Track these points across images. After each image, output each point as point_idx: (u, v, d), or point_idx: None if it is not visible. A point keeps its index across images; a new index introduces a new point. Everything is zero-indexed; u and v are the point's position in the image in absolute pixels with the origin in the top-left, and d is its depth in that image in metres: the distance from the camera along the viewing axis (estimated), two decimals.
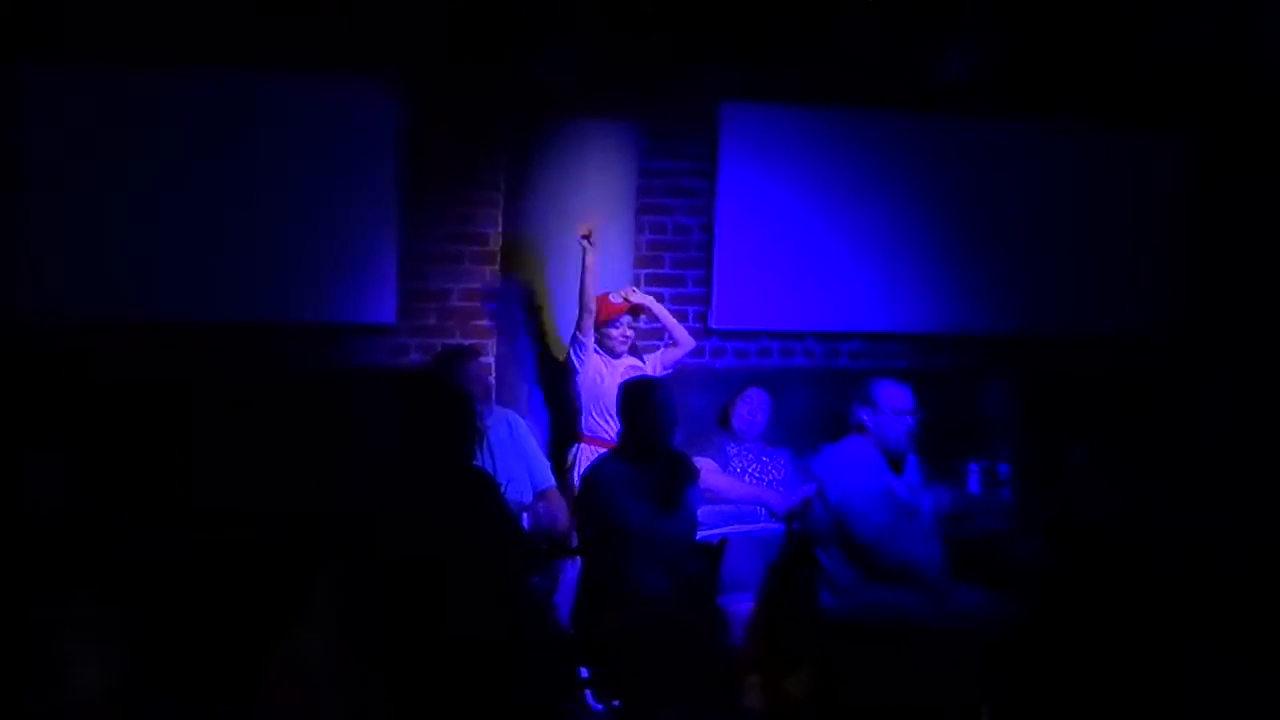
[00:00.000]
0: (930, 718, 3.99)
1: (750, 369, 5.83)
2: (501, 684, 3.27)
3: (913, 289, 6.02)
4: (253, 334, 5.13)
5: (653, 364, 5.22)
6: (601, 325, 5.09)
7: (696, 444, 5.16)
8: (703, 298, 5.79)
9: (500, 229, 5.42)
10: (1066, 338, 6.12)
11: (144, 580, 3.39)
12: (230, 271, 5.03)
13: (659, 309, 5.30)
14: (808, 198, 5.86)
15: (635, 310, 5.19)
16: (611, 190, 5.37)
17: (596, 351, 5.08)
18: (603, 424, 5.03)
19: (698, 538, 4.37)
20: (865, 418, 4.29)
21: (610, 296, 5.15)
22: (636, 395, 4.30)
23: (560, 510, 4.69)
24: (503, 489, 3.82)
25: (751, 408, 5.37)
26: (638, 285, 5.51)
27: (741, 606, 4.51)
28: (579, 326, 5.05)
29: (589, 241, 5.05)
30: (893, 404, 4.28)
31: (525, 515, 4.60)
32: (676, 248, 5.72)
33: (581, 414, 5.09)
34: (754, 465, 5.26)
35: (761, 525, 4.89)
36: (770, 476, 5.25)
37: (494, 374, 5.34)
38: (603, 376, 5.05)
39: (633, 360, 5.17)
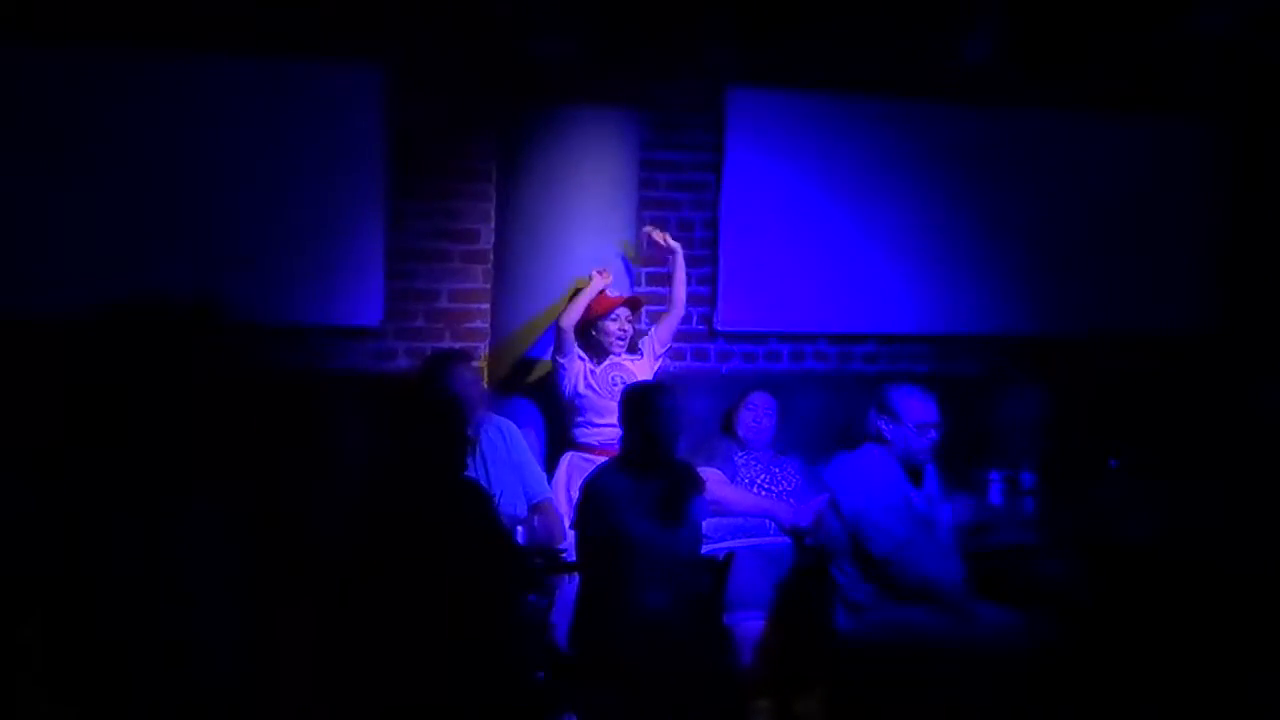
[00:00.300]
0: None
1: (758, 373, 5.83)
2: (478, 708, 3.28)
3: (932, 287, 6.04)
4: (227, 336, 5.10)
5: (649, 350, 5.19)
6: (597, 319, 5.06)
7: (701, 452, 5.15)
8: (707, 298, 5.79)
9: (492, 225, 5.42)
10: (1097, 337, 6.14)
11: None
12: (203, 269, 5.00)
13: (680, 263, 5.26)
14: (820, 190, 5.87)
15: (633, 303, 5.17)
16: (611, 182, 5.34)
17: (581, 357, 5.05)
18: (590, 428, 5.02)
19: (703, 552, 4.35)
20: (885, 429, 4.30)
21: (608, 289, 5.13)
22: (638, 402, 4.28)
23: (556, 524, 4.67)
24: (495, 501, 3.80)
25: (757, 414, 5.36)
26: (639, 283, 5.50)
27: (749, 626, 4.52)
28: (559, 348, 5.02)
29: (603, 274, 5.06)
30: (915, 417, 4.29)
31: (520, 529, 4.58)
32: (680, 244, 5.66)
33: (568, 420, 5.07)
34: (763, 475, 5.24)
35: (770, 539, 4.88)
36: (780, 487, 5.23)
37: (486, 379, 5.32)
38: (586, 380, 5.03)
39: (622, 362, 5.13)
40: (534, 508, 4.76)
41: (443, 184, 5.38)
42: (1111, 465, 5.19)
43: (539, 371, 5.28)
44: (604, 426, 4.97)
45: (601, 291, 5.09)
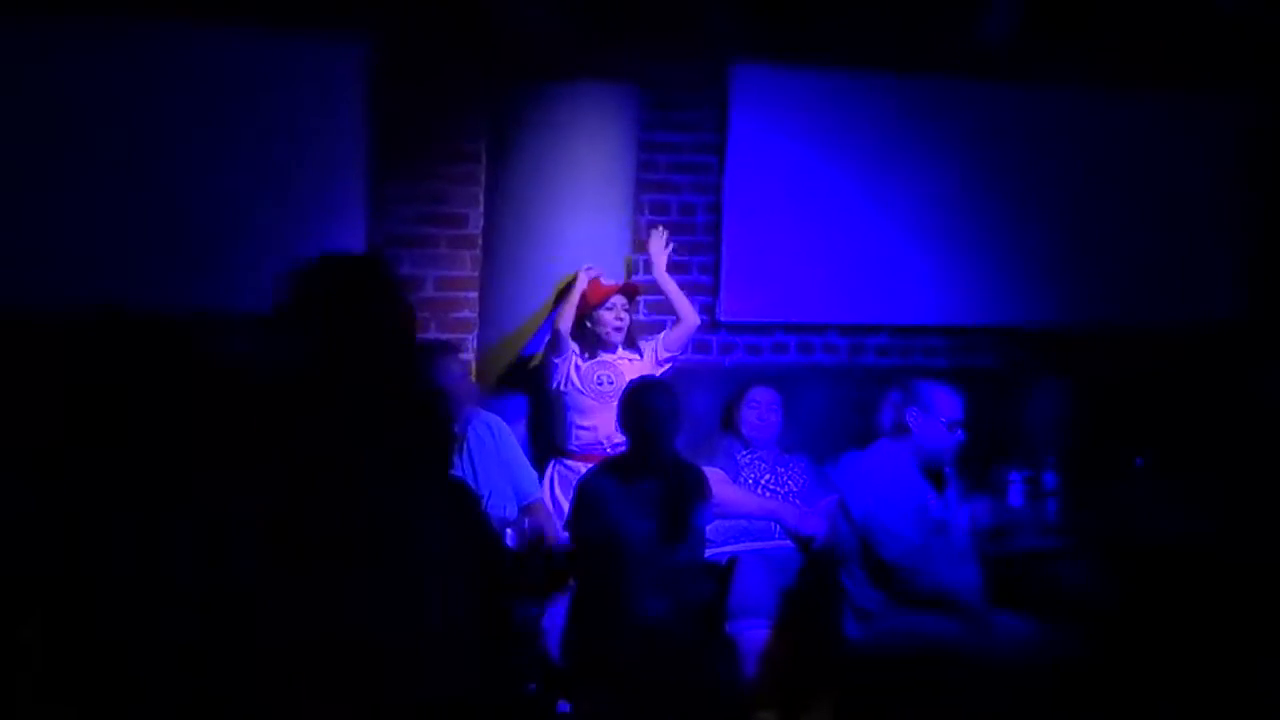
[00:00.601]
0: None
1: (764, 366, 5.81)
2: None
3: (949, 275, 6.01)
4: (195, 325, 5.08)
5: (651, 353, 5.18)
6: (592, 309, 5.05)
7: (702, 451, 5.15)
8: (710, 287, 5.77)
9: (481, 209, 5.41)
10: (1123, 328, 6.12)
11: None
12: (170, 254, 4.99)
13: (668, 280, 5.27)
14: (830, 173, 5.84)
15: (630, 290, 5.15)
16: (607, 164, 5.34)
17: (574, 351, 5.03)
18: (572, 430, 5.01)
19: (704, 556, 4.36)
20: (912, 420, 4.30)
21: (601, 278, 5.12)
22: (635, 399, 4.29)
23: (549, 526, 4.67)
24: (483, 502, 3.79)
25: (761, 411, 5.35)
26: (635, 272, 5.49)
27: (753, 635, 4.52)
28: (554, 347, 4.99)
29: (589, 272, 5.05)
30: (947, 411, 4.30)
31: (509, 531, 4.57)
32: (680, 230, 5.68)
33: (552, 419, 5.06)
34: (767, 475, 5.24)
35: (776, 543, 4.89)
36: (786, 488, 5.23)
37: (474, 373, 5.31)
38: (569, 375, 5.01)
39: (614, 361, 5.10)
40: (525, 509, 4.75)
41: (428, 166, 5.36)
42: (1138, 464, 5.19)
43: (530, 365, 5.26)
44: (585, 429, 4.96)
45: (595, 279, 5.07)
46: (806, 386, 5.71)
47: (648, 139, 5.56)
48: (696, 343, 5.50)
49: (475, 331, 5.42)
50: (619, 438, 4.52)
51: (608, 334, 5.06)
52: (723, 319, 5.78)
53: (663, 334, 5.26)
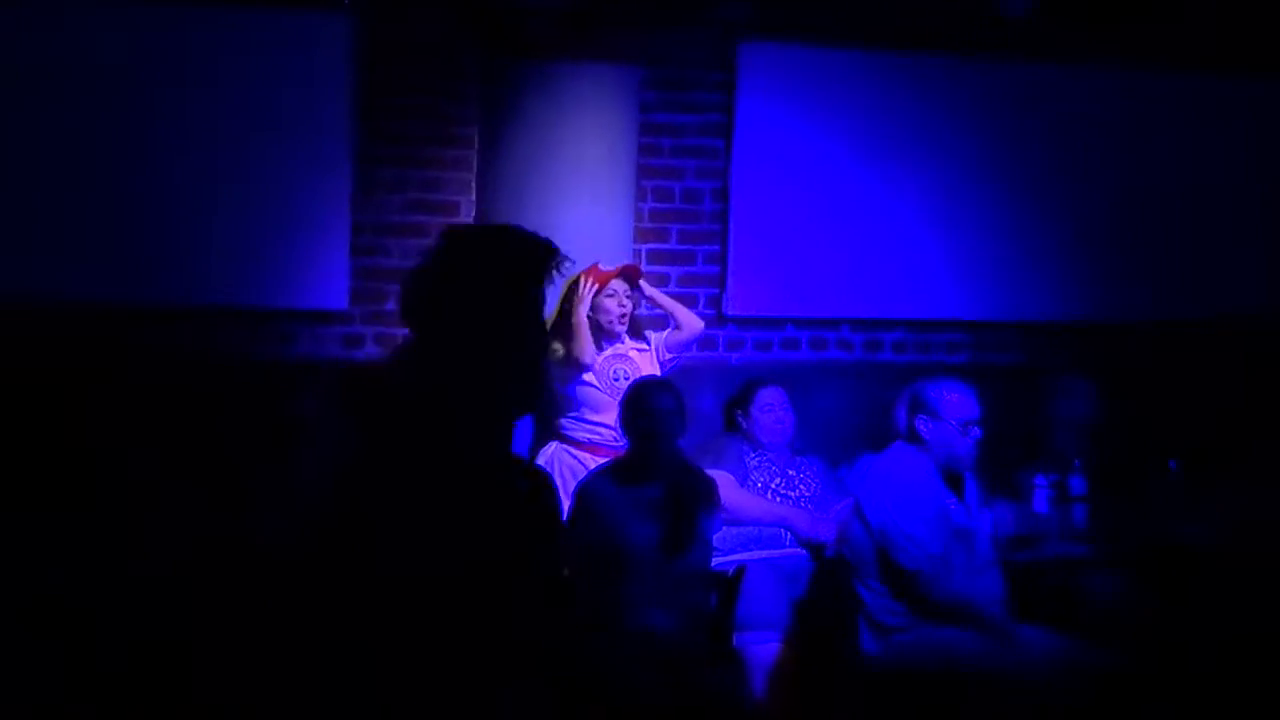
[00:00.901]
0: None
1: (773, 364, 5.81)
2: None
3: (970, 267, 6.02)
4: (175, 320, 5.10)
5: (657, 346, 5.18)
6: (593, 298, 5.03)
7: (709, 453, 5.13)
8: (716, 278, 5.77)
9: (474, 196, 5.41)
10: (1157, 323, 6.12)
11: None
12: (147, 245, 5.01)
13: (657, 294, 5.27)
14: (844, 158, 5.85)
15: (630, 273, 5.12)
16: (608, 148, 5.34)
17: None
18: (582, 424, 5.00)
19: (710, 565, 4.35)
20: (923, 428, 4.30)
21: (600, 264, 5.10)
22: (636, 399, 4.29)
23: None
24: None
25: (777, 413, 5.32)
26: (638, 261, 5.50)
27: (763, 649, 4.51)
28: (576, 369, 4.96)
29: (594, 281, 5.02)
30: (958, 413, 4.29)
31: None
32: (685, 218, 5.71)
33: (559, 410, 5.05)
34: (778, 478, 5.23)
35: (787, 551, 4.88)
36: (798, 492, 5.22)
37: None
38: (591, 373, 5.00)
39: (627, 353, 5.09)
40: None
41: (418, 150, 5.38)
42: (1172, 467, 5.17)
43: None
44: (598, 425, 4.95)
45: (595, 265, 5.06)
46: (819, 385, 5.72)
47: (650, 121, 5.57)
48: (702, 339, 5.48)
49: None
50: None
51: (611, 323, 5.06)
52: (730, 313, 5.78)
53: (664, 333, 5.25)
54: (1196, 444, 5.24)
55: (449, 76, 5.35)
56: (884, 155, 5.87)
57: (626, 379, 4.88)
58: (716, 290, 5.78)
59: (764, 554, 4.81)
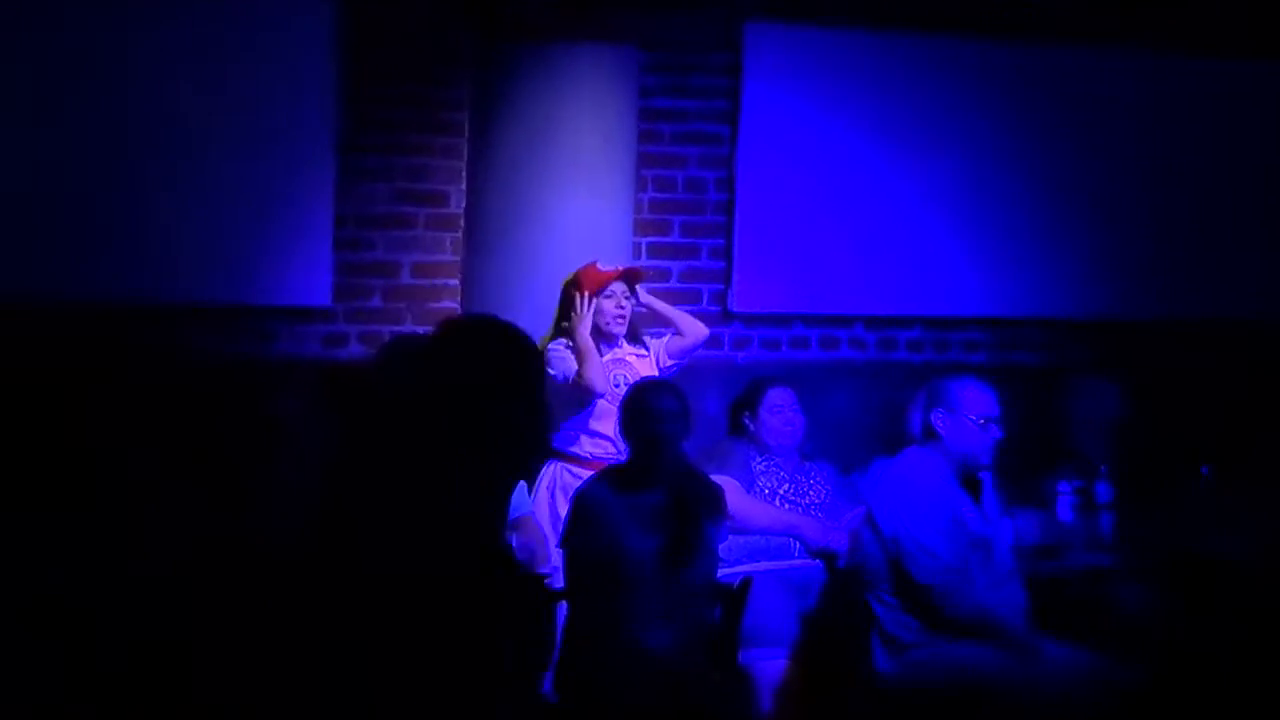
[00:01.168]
0: None
1: (782, 363, 5.81)
2: None
3: (989, 261, 6.04)
4: (148, 319, 5.09)
5: (656, 353, 5.18)
6: (590, 299, 5.01)
7: (713, 458, 5.13)
8: (721, 273, 5.79)
9: (464, 186, 5.42)
10: (1186, 321, 6.14)
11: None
12: (117, 239, 5.01)
13: (655, 302, 5.26)
14: (857, 146, 5.87)
15: (630, 275, 5.10)
16: (605, 135, 5.33)
17: (567, 346, 4.99)
18: (581, 436, 4.98)
19: (715, 577, 4.33)
20: (939, 424, 4.30)
21: (598, 263, 5.09)
22: (636, 401, 4.28)
23: (538, 543, 4.63)
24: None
25: (787, 415, 5.31)
26: (638, 255, 5.50)
27: (770, 666, 4.52)
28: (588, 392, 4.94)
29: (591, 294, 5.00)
30: (977, 408, 4.30)
31: None
32: (688, 209, 5.72)
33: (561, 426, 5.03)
34: (786, 484, 5.23)
35: (795, 562, 4.88)
36: (807, 499, 5.22)
37: None
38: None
39: (626, 358, 5.07)
40: (512, 524, 4.70)
41: (405, 137, 5.39)
42: (1203, 473, 5.18)
43: None
44: (600, 436, 4.93)
45: (592, 264, 5.03)
46: (830, 385, 5.73)
47: (650, 106, 5.58)
48: (707, 338, 5.47)
49: None
50: None
51: (608, 325, 5.05)
52: (735, 309, 5.79)
53: (666, 338, 5.25)
54: (1230, 449, 5.28)
55: (438, 59, 5.37)
56: (898, 142, 5.89)
57: (627, 384, 4.86)
58: (721, 286, 5.78)
59: (771, 565, 4.80)
